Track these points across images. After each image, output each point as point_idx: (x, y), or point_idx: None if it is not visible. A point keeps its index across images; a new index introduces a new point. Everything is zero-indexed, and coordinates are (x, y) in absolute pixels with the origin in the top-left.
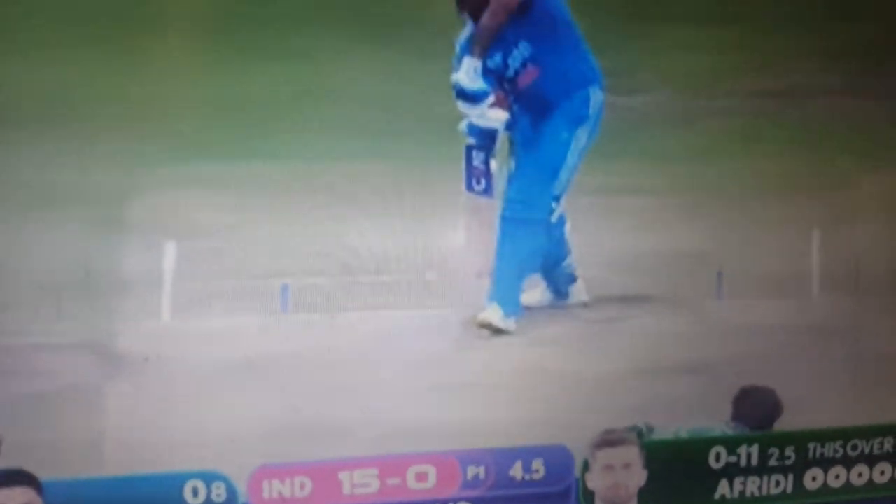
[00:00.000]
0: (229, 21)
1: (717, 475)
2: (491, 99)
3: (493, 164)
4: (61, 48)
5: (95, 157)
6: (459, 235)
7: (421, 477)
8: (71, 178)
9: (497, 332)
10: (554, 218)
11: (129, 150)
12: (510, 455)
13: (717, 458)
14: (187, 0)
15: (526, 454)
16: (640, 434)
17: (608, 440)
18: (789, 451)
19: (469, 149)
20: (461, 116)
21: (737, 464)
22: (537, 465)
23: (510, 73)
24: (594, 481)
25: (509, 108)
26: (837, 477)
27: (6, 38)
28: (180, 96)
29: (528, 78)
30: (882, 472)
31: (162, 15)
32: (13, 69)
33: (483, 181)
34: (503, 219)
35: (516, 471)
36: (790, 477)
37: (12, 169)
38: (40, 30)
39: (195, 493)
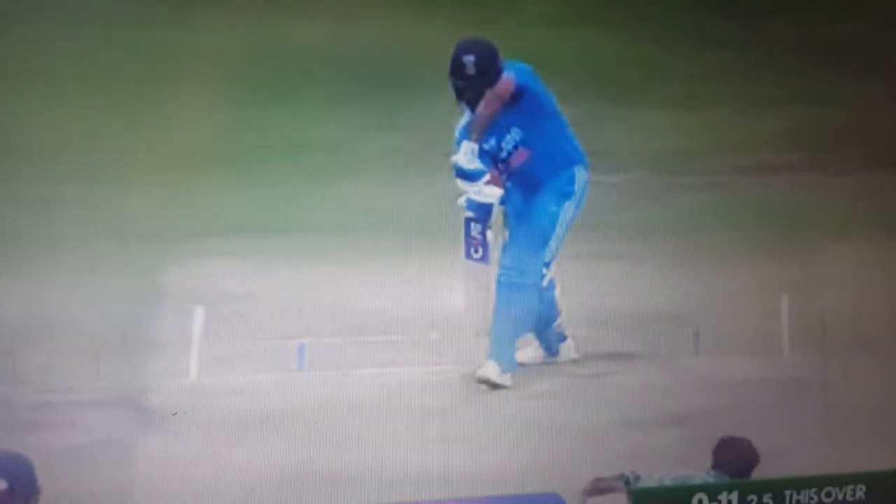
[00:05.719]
0: (254, 116)
1: None
2: (487, 177)
3: (490, 234)
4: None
5: (134, 229)
6: (460, 299)
7: None
8: (111, 248)
9: (495, 386)
10: (545, 283)
11: (164, 224)
12: (508, 502)
13: None
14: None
15: (522, 501)
16: (627, 482)
17: (598, 488)
18: (767, 498)
19: (468, 221)
20: (460, 193)
21: None
22: None
23: (504, 154)
24: None
25: (503, 186)
26: None
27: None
28: (211, 177)
29: (519, 159)
30: None
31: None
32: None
33: (480, 250)
34: (499, 284)
35: None
36: None
37: (56, 238)
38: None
39: None
